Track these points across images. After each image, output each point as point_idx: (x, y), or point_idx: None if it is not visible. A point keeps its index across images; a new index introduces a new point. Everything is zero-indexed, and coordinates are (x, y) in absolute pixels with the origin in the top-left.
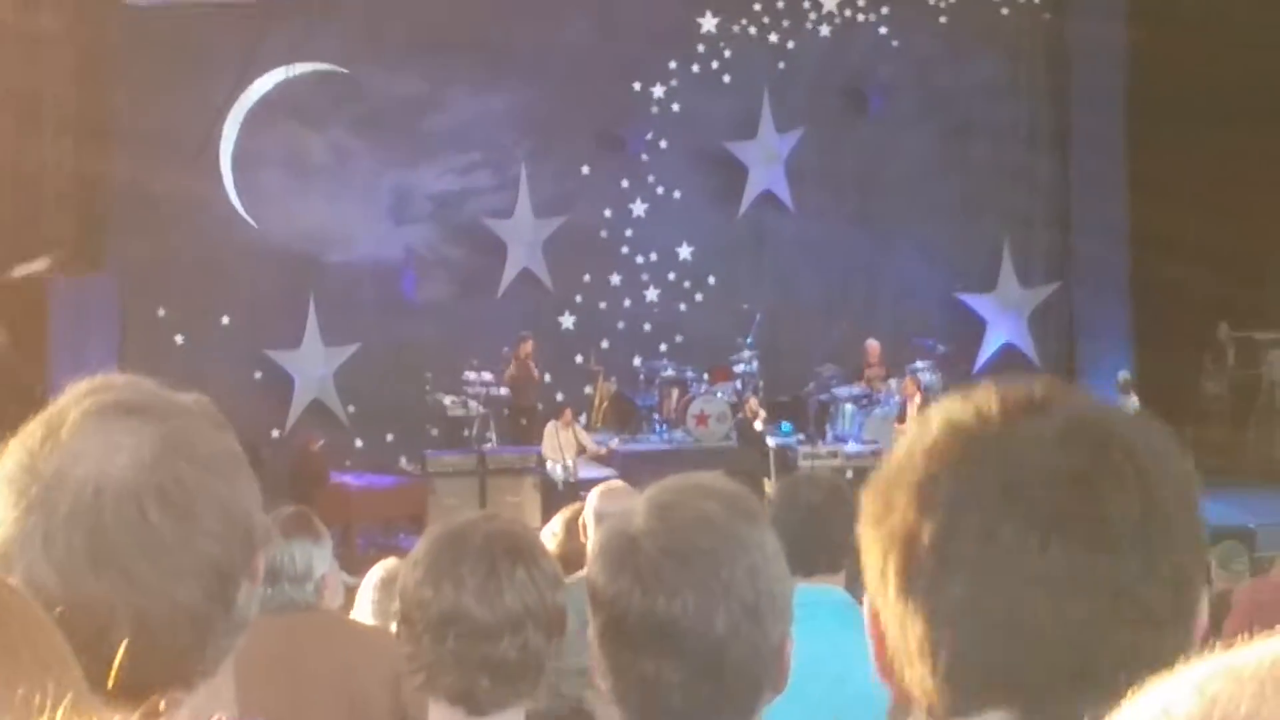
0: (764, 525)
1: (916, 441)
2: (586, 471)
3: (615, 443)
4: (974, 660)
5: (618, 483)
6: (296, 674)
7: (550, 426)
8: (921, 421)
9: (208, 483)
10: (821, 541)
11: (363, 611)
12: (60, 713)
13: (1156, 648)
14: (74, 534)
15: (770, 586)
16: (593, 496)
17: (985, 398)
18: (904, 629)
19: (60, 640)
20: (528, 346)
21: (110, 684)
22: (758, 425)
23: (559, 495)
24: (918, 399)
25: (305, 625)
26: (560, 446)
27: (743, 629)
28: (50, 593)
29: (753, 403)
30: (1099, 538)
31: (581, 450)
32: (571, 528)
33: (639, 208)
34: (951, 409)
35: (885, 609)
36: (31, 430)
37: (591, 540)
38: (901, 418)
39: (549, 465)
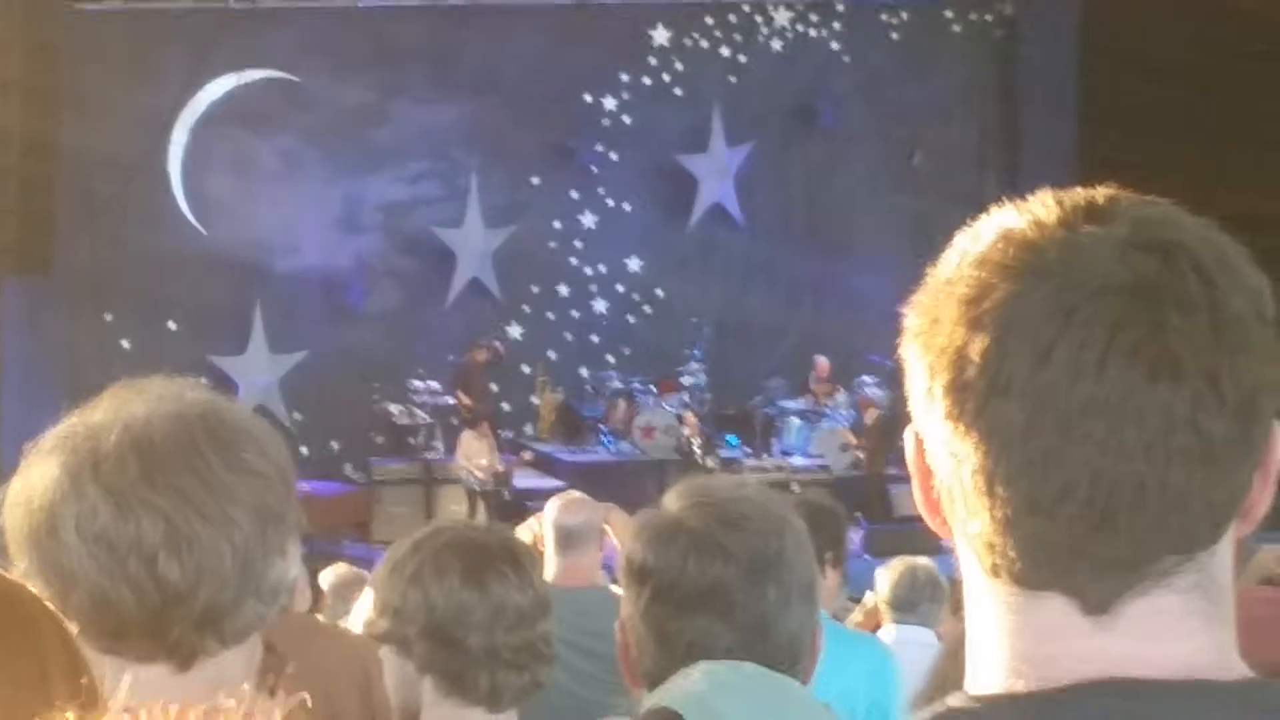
0: (794, 511)
1: (966, 251)
2: (527, 481)
3: (528, 456)
4: (1029, 497)
5: (576, 493)
6: (266, 675)
7: (464, 435)
8: (971, 231)
9: (248, 427)
10: None
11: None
12: None
13: (1210, 490)
14: (126, 454)
15: (811, 566)
16: (550, 508)
17: (1042, 204)
18: (956, 458)
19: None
20: (481, 354)
21: (152, 620)
22: (694, 446)
23: (504, 504)
24: (873, 412)
25: (276, 627)
26: (470, 456)
27: (792, 601)
28: (103, 524)
29: (691, 420)
30: (1160, 356)
31: (490, 464)
32: None
33: (588, 219)
34: (1005, 217)
35: (932, 435)
36: (67, 418)
37: (631, 528)
38: (857, 432)
39: (462, 475)
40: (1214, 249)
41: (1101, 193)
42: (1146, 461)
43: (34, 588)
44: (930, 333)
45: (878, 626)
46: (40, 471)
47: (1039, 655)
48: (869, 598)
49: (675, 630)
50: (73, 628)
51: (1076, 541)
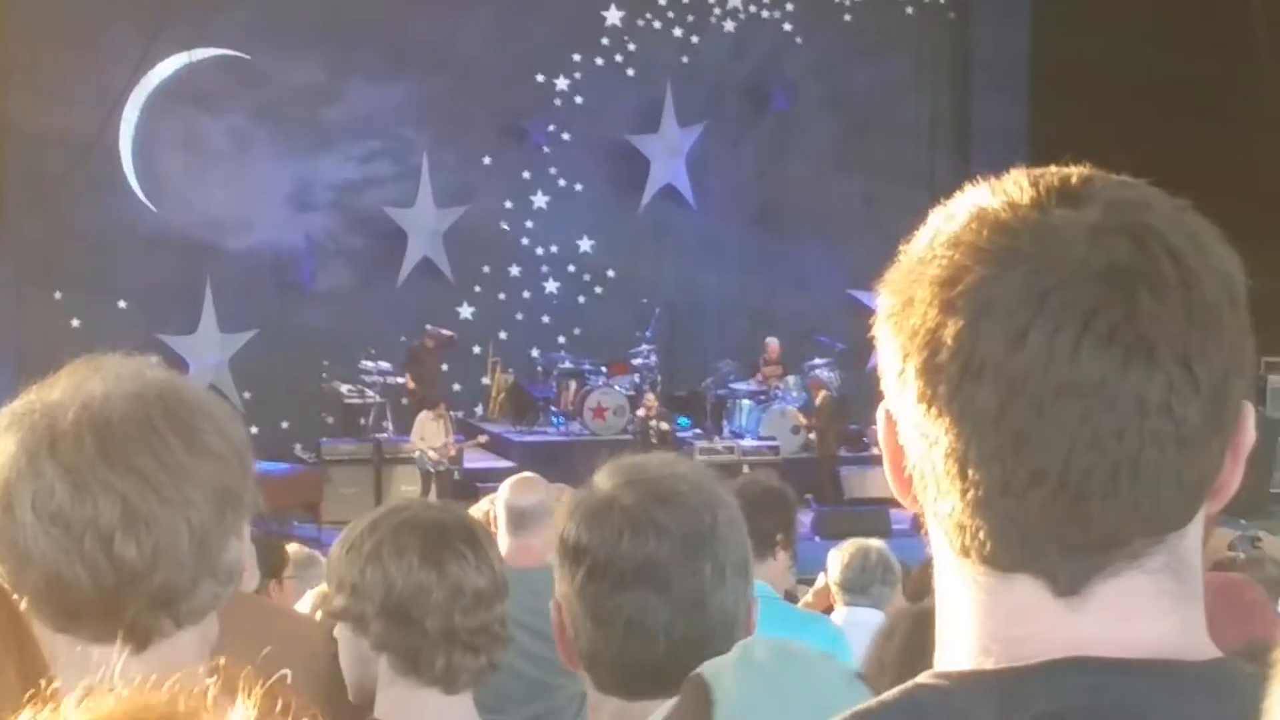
0: (726, 488)
1: (940, 230)
2: (478, 462)
3: (484, 439)
4: (1001, 480)
5: (529, 474)
6: (216, 655)
7: (421, 415)
8: (945, 210)
9: (208, 407)
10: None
11: None
12: None
13: (1183, 472)
14: (84, 433)
15: (745, 543)
16: (503, 489)
17: (1016, 184)
18: (927, 440)
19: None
20: (430, 341)
21: (107, 600)
22: (654, 424)
23: (454, 485)
24: (822, 394)
25: (224, 608)
26: (424, 437)
27: (727, 577)
28: (59, 503)
29: (650, 400)
30: (1133, 342)
31: (445, 444)
32: None
33: (540, 199)
34: (979, 196)
35: (904, 417)
36: (24, 395)
37: (562, 507)
38: (808, 414)
39: (416, 455)
40: (1187, 231)
41: (1076, 173)
42: (1120, 446)
43: None
44: (903, 314)
45: (829, 608)
46: (3, 442)
47: (1009, 635)
48: (820, 579)
49: (612, 608)
50: (26, 606)
51: (1048, 524)
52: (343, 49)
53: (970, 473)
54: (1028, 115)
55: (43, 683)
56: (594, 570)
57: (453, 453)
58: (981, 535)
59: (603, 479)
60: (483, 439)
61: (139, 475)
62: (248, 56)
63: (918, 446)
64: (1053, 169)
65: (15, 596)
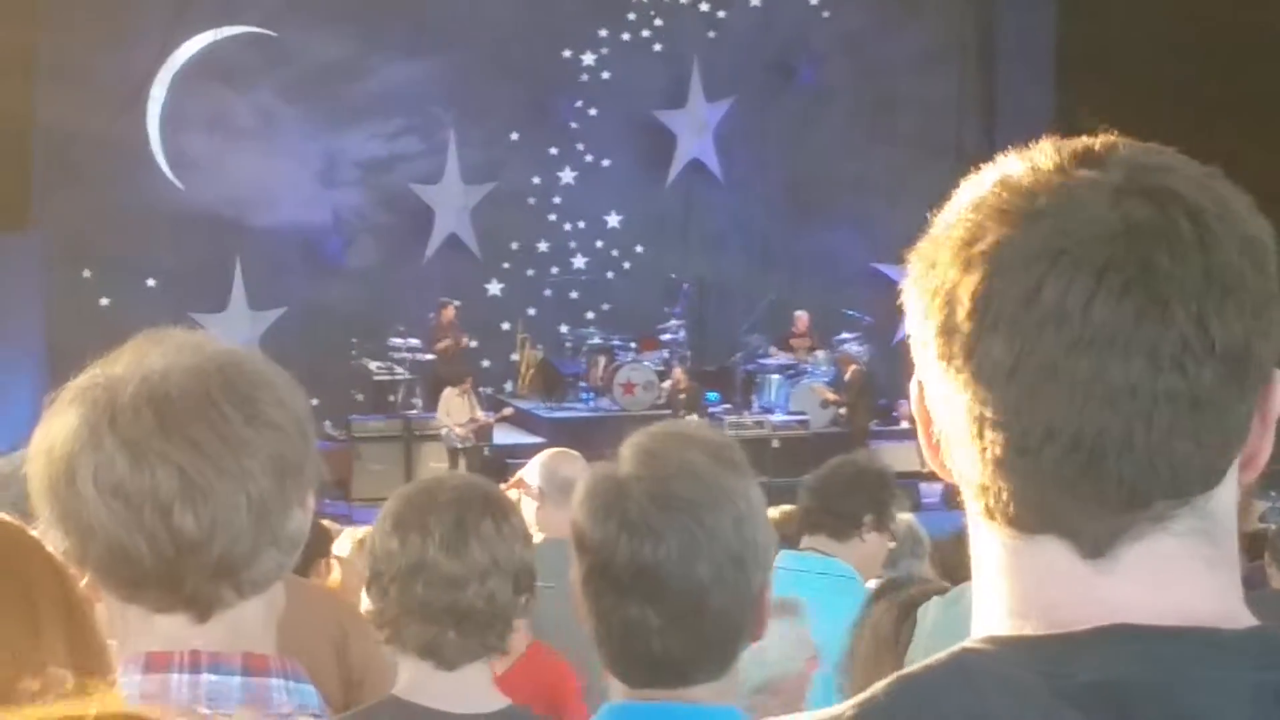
0: (748, 475)
1: (966, 197)
2: (507, 437)
3: (508, 411)
4: (1017, 438)
5: (567, 449)
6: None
7: (446, 393)
8: (975, 178)
9: (268, 379)
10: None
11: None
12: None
13: (1199, 434)
14: (142, 407)
15: (754, 535)
16: (543, 461)
17: (1042, 151)
18: (948, 401)
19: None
20: (449, 313)
21: (167, 571)
22: (682, 398)
23: (484, 461)
24: (853, 369)
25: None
26: (449, 413)
27: (726, 576)
28: (119, 476)
29: (679, 375)
30: (1147, 298)
31: (472, 419)
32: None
33: (568, 175)
34: (1007, 164)
35: (929, 380)
36: (89, 370)
37: (579, 487)
38: (837, 388)
39: (443, 432)
40: (1212, 195)
41: (1102, 140)
42: (1133, 403)
43: (55, 538)
44: (926, 276)
45: None
46: (60, 422)
47: (1042, 599)
48: None
49: (609, 608)
50: (91, 578)
51: (1064, 484)
52: (369, 26)
53: (987, 432)
54: (1054, 88)
55: (95, 654)
56: (594, 570)
57: (479, 426)
58: (1004, 497)
59: (624, 455)
60: (508, 411)
61: (196, 447)
62: (274, 34)
63: (941, 409)
64: (1080, 137)
65: (77, 569)
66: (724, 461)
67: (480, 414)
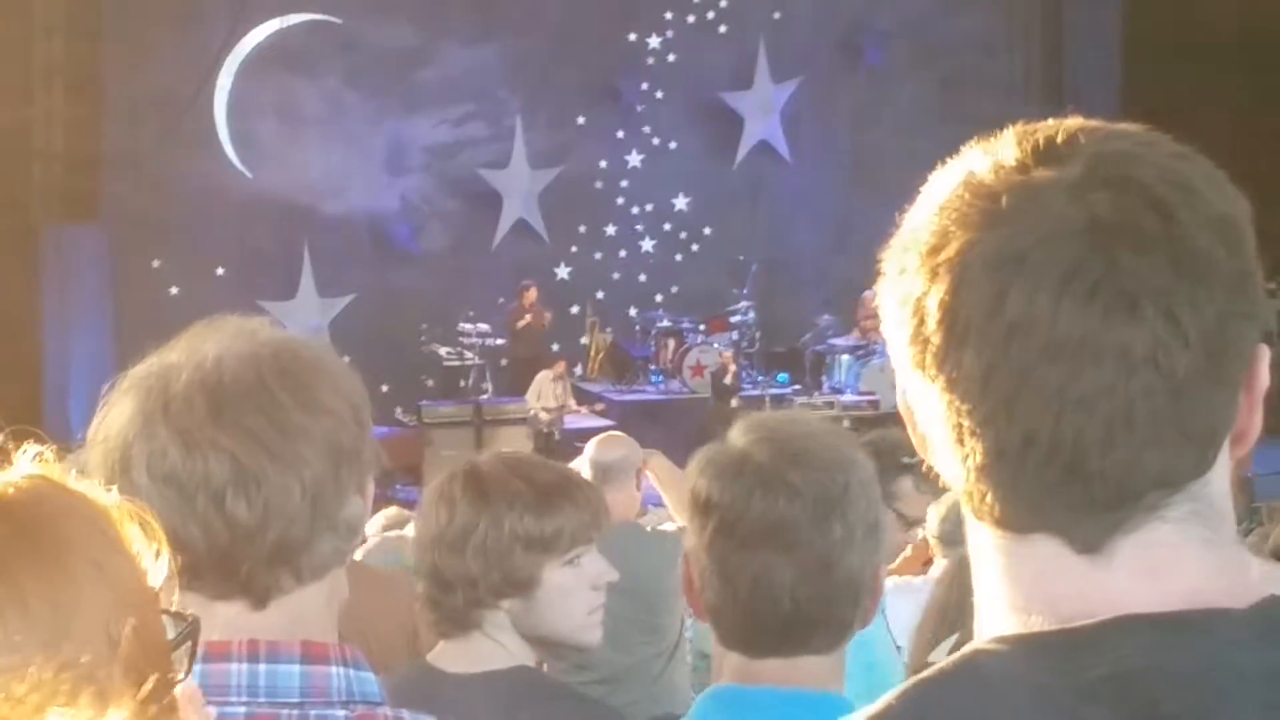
0: (862, 450)
1: (931, 197)
2: (576, 422)
3: (601, 406)
4: (996, 446)
5: (615, 432)
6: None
7: (540, 375)
8: (941, 173)
9: (323, 365)
10: None
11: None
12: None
13: (1184, 423)
14: (195, 395)
15: (876, 506)
16: (589, 446)
17: (1006, 143)
18: (926, 407)
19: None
20: (531, 294)
21: (222, 558)
22: (726, 380)
23: (553, 445)
24: None
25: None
26: (540, 396)
27: (856, 539)
28: (171, 464)
29: (726, 357)
30: (1115, 298)
31: (562, 406)
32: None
33: (635, 158)
34: (972, 158)
35: (906, 384)
36: (147, 358)
37: (696, 457)
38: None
39: (530, 414)
40: (1177, 180)
41: (1064, 128)
42: (1110, 403)
43: None
44: (896, 282)
45: (929, 561)
46: (117, 411)
47: (1043, 595)
48: (919, 533)
49: (738, 565)
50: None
51: (1049, 488)
52: (433, 11)
53: (967, 439)
54: (1121, 67)
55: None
56: (722, 527)
57: (584, 412)
58: (989, 500)
59: (736, 434)
60: (599, 407)
61: (248, 434)
62: (339, 20)
63: (921, 413)
64: (1047, 123)
65: None
66: (840, 434)
67: (572, 402)
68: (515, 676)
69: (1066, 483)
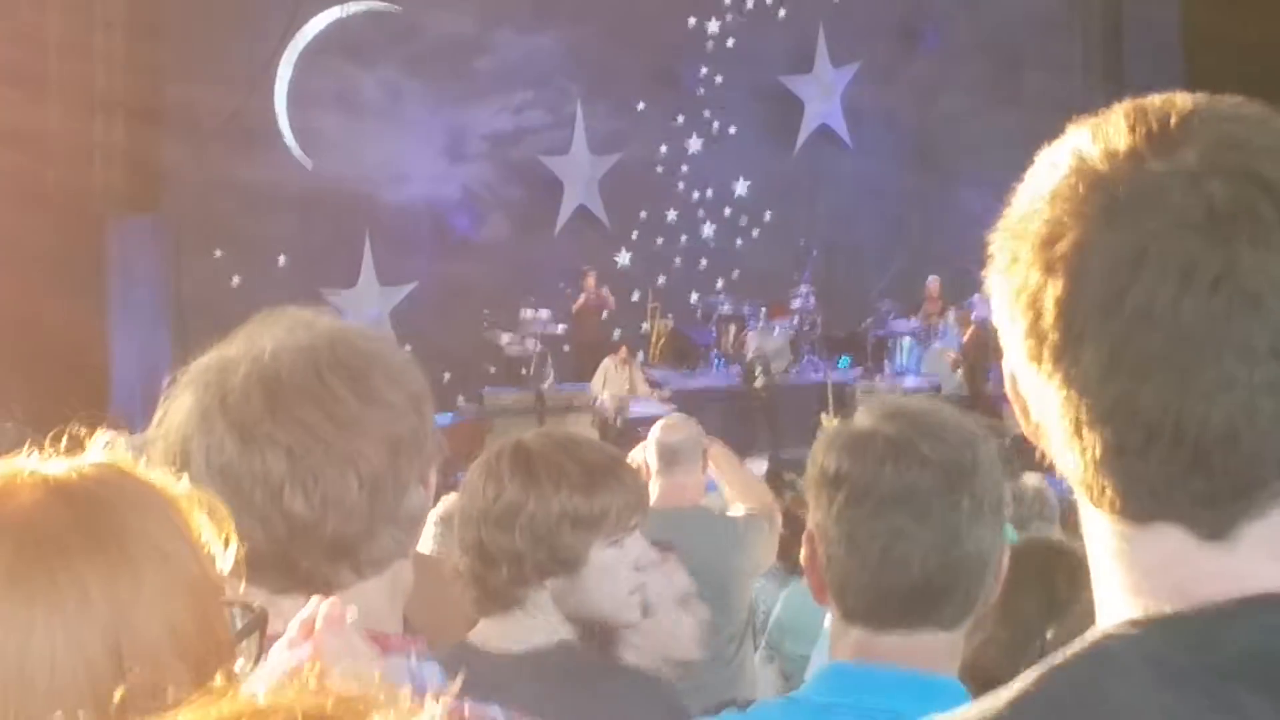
0: (986, 432)
1: (1042, 182)
2: (640, 408)
3: (667, 392)
4: (1116, 440)
5: (679, 415)
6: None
7: (605, 362)
8: (1049, 155)
9: (382, 356)
10: None
11: (423, 547)
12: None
13: None
14: (251, 390)
15: (1002, 484)
16: (655, 430)
17: (1116, 127)
18: (1042, 399)
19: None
20: (591, 280)
21: (281, 552)
22: (757, 372)
23: (616, 432)
24: (971, 328)
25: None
26: (606, 383)
27: (984, 514)
28: (228, 458)
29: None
30: (1236, 293)
31: (630, 390)
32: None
33: (695, 144)
34: (1080, 141)
35: (1020, 374)
36: (208, 352)
37: (818, 439)
38: (962, 352)
39: (596, 401)
40: None
41: (1177, 110)
42: (1231, 397)
43: None
44: (1009, 271)
45: None
46: (178, 405)
47: (1167, 580)
48: None
49: (869, 533)
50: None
51: (1172, 480)
52: None
53: (1085, 432)
54: (1181, 46)
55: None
56: (853, 496)
57: (652, 395)
58: (1109, 492)
59: (862, 416)
60: (665, 393)
61: (305, 427)
62: (398, 9)
63: (1036, 404)
64: (1157, 103)
65: None
66: (967, 415)
67: (643, 385)
68: (562, 653)
69: (1189, 475)
